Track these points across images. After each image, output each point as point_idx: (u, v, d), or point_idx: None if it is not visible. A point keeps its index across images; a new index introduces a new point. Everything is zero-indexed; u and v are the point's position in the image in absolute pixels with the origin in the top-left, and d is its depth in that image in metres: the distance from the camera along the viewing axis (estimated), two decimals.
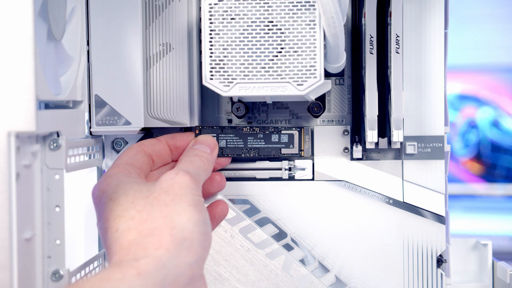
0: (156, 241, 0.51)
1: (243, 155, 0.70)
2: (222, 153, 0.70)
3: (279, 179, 0.71)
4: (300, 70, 0.60)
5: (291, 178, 0.71)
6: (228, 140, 0.70)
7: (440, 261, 0.70)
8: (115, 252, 0.51)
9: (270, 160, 0.71)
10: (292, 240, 0.71)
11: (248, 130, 0.70)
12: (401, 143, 0.70)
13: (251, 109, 0.72)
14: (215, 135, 0.69)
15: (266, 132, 0.70)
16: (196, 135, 0.69)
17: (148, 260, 0.49)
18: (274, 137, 0.70)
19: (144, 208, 0.53)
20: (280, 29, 0.59)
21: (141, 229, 0.52)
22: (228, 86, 0.60)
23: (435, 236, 0.70)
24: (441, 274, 0.70)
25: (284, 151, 0.70)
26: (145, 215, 0.53)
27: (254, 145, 0.70)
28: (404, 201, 0.70)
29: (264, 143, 0.70)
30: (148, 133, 0.72)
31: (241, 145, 0.70)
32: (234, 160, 0.71)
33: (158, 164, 0.65)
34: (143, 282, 0.48)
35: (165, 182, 0.55)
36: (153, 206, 0.53)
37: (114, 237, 0.52)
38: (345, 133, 0.71)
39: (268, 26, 0.60)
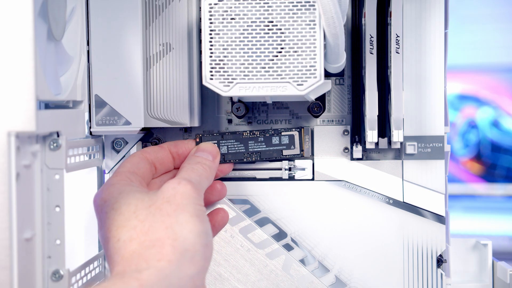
0: (158, 253, 0.51)
1: (245, 160, 0.70)
2: (224, 159, 0.69)
3: (279, 179, 0.71)
4: (300, 70, 0.60)
5: (291, 178, 0.71)
6: (229, 146, 0.69)
7: (440, 261, 0.70)
8: (117, 263, 0.51)
9: (270, 160, 0.71)
10: (292, 240, 0.71)
11: (248, 134, 0.70)
12: (401, 143, 0.70)
13: (251, 109, 0.72)
14: (216, 141, 0.69)
15: (266, 134, 0.70)
16: (197, 143, 0.68)
17: (150, 272, 0.49)
18: (275, 139, 0.70)
19: (146, 218, 0.53)
20: (280, 29, 0.59)
21: (143, 239, 0.52)
22: (228, 86, 0.60)
23: (435, 236, 0.70)
24: (441, 274, 0.70)
25: (285, 152, 0.70)
26: (147, 226, 0.52)
27: (256, 149, 0.70)
28: (404, 201, 0.70)
29: (265, 146, 0.70)
30: (148, 133, 0.72)
31: (242, 150, 0.70)
32: (235, 162, 0.71)
33: (160, 171, 0.65)
34: None
35: (167, 192, 0.55)
36: (155, 217, 0.53)
37: (115, 247, 0.52)
38: (345, 133, 0.71)
39: (268, 26, 0.60)
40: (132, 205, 0.54)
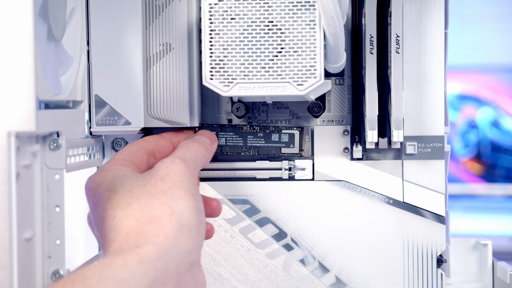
0: (155, 229, 0.51)
1: (242, 154, 0.70)
2: (221, 151, 0.70)
3: (279, 179, 0.71)
4: (300, 70, 0.60)
5: (291, 178, 0.71)
6: (227, 138, 0.70)
7: (440, 261, 0.70)
8: (113, 240, 0.51)
9: (270, 160, 0.71)
10: (292, 240, 0.71)
11: (248, 129, 0.70)
12: (401, 143, 0.70)
13: (251, 109, 0.72)
14: (215, 133, 0.70)
15: (267, 131, 0.70)
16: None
17: (149, 247, 0.49)
18: (275, 136, 0.70)
19: (142, 196, 0.53)
20: (280, 29, 0.59)
21: (140, 216, 0.52)
22: (228, 86, 0.60)
23: (435, 236, 0.70)
24: (441, 274, 0.70)
25: (284, 150, 0.70)
26: (142, 203, 0.53)
27: (254, 144, 0.70)
28: (404, 201, 0.70)
29: (264, 142, 0.70)
30: (148, 133, 0.72)
31: (240, 144, 0.70)
32: (234, 160, 0.71)
33: (160, 160, 0.65)
34: (145, 268, 0.48)
35: (160, 170, 0.55)
36: (151, 194, 0.53)
37: (111, 225, 0.52)
38: (345, 133, 0.71)
39: (268, 26, 0.60)
40: (126, 185, 0.54)
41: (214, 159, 0.67)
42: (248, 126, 0.70)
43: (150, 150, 0.63)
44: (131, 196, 0.53)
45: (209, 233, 0.65)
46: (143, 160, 0.62)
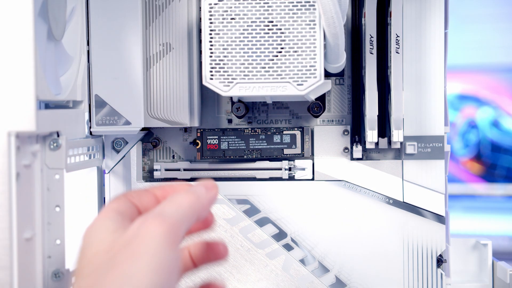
0: None
1: (245, 157, 0.70)
2: (224, 155, 0.70)
3: (279, 179, 0.71)
4: (300, 70, 0.60)
5: (291, 178, 0.71)
6: (230, 142, 0.70)
7: (440, 261, 0.70)
8: None
9: (270, 160, 0.71)
10: (292, 240, 0.71)
11: (250, 132, 0.70)
12: (401, 143, 0.70)
13: (251, 109, 0.72)
14: (217, 137, 0.69)
15: (268, 133, 0.70)
16: (198, 138, 0.69)
17: None
18: (276, 138, 0.70)
19: (100, 266, 0.44)
20: (280, 29, 0.59)
21: None
22: (228, 86, 0.60)
23: (435, 236, 0.70)
24: (441, 274, 0.70)
25: (286, 151, 0.70)
26: (94, 278, 0.44)
27: (256, 146, 0.70)
28: (404, 201, 0.70)
29: (266, 144, 0.70)
30: (148, 133, 0.72)
31: (243, 147, 0.70)
32: (235, 160, 0.71)
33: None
34: None
35: (130, 232, 0.45)
36: (108, 265, 0.44)
37: None
38: (345, 133, 0.71)
39: (268, 26, 0.60)
40: (93, 247, 0.46)
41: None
42: (250, 129, 0.70)
43: (134, 204, 0.50)
44: (91, 264, 0.45)
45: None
46: (133, 213, 0.50)
